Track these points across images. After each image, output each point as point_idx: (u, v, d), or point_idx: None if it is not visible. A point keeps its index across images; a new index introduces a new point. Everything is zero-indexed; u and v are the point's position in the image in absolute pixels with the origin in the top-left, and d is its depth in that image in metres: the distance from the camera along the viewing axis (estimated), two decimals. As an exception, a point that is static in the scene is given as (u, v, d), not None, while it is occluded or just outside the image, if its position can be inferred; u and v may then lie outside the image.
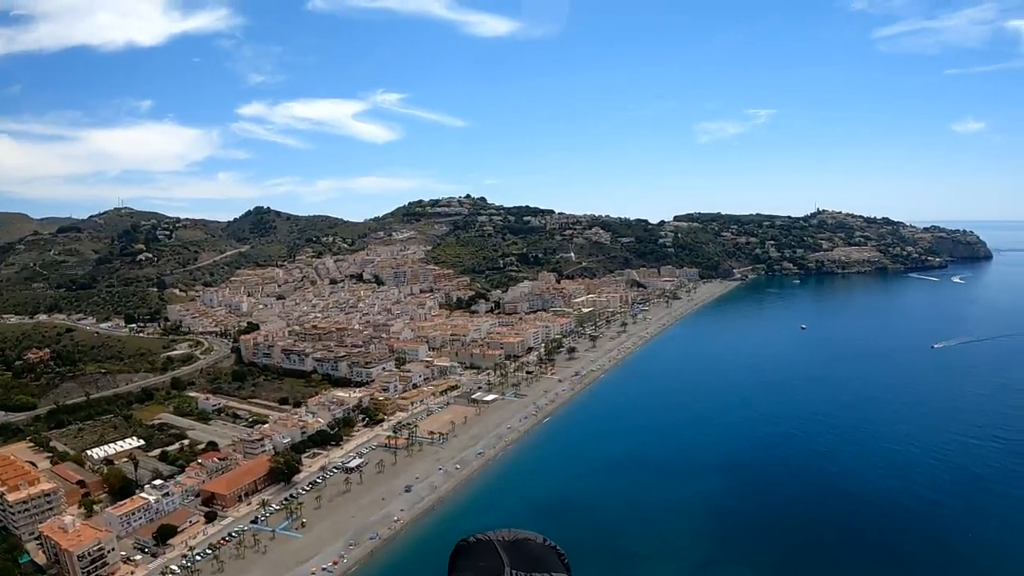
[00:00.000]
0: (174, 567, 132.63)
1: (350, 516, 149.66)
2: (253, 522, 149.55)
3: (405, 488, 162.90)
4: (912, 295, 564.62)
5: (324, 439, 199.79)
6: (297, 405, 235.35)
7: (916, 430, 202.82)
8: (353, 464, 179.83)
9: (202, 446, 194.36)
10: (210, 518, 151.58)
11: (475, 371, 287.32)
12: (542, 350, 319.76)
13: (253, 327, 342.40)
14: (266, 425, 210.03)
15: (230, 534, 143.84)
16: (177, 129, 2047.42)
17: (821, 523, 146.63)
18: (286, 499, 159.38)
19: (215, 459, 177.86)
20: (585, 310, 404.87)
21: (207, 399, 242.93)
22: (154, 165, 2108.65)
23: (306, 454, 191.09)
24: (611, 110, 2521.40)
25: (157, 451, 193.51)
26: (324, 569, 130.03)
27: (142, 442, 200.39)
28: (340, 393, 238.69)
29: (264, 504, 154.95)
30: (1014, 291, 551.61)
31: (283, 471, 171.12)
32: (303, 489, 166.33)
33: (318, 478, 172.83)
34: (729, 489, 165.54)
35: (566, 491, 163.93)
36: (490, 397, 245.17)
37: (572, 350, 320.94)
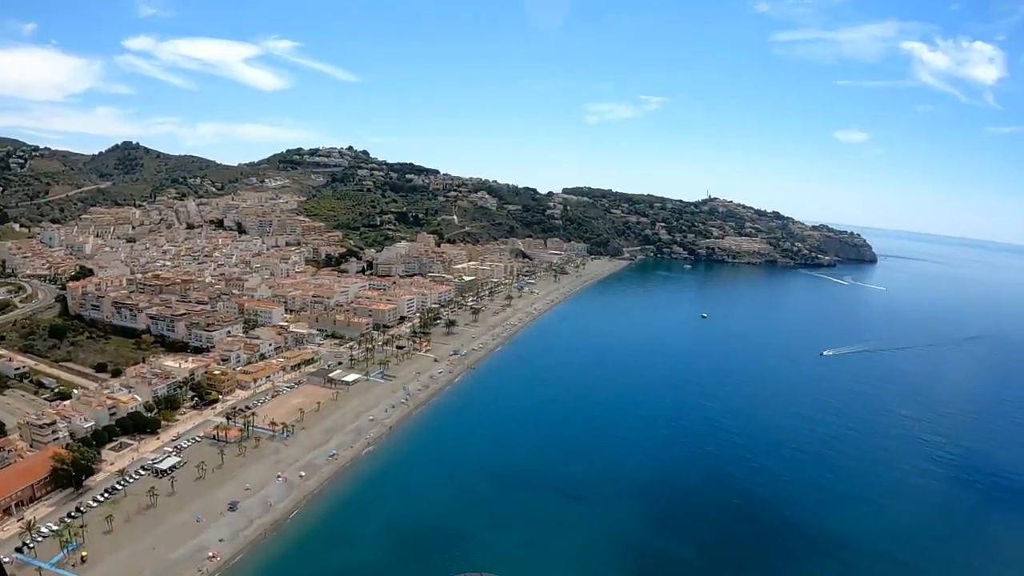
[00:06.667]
0: None
1: (149, 548, 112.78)
2: (18, 551, 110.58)
3: (229, 506, 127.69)
4: (805, 291, 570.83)
5: (137, 425, 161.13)
6: (116, 374, 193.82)
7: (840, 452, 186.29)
8: (167, 464, 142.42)
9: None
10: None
11: (337, 341, 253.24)
12: (417, 321, 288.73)
13: (86, 272, 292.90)
14: (67, 402, 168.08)
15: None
16: (59, 56, 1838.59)
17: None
18: (68, 516, 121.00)
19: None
20: (467, 278, 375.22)
21: (9, 360, 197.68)
22: (31, 93, 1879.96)
23: (112, 444, 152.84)
24: (503, 80, 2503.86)
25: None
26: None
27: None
28: (169, 362, 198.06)
29: (31, 526, 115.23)
30: (908, 296, 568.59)
31: (70, 473, 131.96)
32: (96, 499, 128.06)
33: (119, 483, 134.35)
34: (644, 523, 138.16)
35: (444, 519, 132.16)
36: (351, 377, 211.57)
37: (451, 323, 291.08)
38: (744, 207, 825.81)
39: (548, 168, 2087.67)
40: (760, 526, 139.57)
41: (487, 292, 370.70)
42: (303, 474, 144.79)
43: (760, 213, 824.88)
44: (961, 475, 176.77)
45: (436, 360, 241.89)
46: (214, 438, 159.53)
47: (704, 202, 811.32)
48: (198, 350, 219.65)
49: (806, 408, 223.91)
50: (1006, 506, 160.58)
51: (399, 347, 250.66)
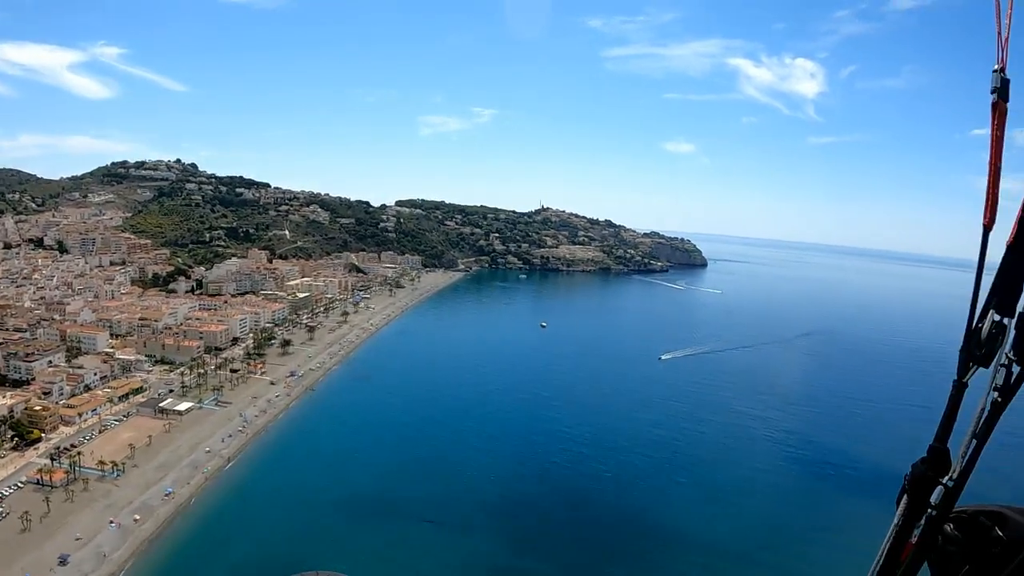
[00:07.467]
0: None
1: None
2: None
3: (59, 560, 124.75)
4: (640, 297, 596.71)
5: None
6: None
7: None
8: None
9: None
10: None
11: (167, 367, 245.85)
12: (250, 342, 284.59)
13: None
14: None
15: None
16: None
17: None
18: None
19: None
20: (301, 295, 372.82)
21: None
22: None
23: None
24: (335, 92, 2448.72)
25: None
26: None
27: None
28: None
29: None
30: (742, 298, 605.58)
31: None
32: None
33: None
34: (500, 541, 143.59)
35: (293, 556, 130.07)
36: (184, 406, 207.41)
37: (287, 343, 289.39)
38: (577, 216, 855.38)
39: (382, 180, 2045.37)
40: (616, 535, 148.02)
41: (322, 309, 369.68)
42: (137, 517, 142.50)
43: (593, 222, 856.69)
44: (809, 469, 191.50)
45: (273, 383, 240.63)
46: (38, 482, 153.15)
47: (537, 212, 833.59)
48: (17, 383, 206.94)
49: (650, 413, 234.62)
50: (856, 494, 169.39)
51: (233, 371, 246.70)
